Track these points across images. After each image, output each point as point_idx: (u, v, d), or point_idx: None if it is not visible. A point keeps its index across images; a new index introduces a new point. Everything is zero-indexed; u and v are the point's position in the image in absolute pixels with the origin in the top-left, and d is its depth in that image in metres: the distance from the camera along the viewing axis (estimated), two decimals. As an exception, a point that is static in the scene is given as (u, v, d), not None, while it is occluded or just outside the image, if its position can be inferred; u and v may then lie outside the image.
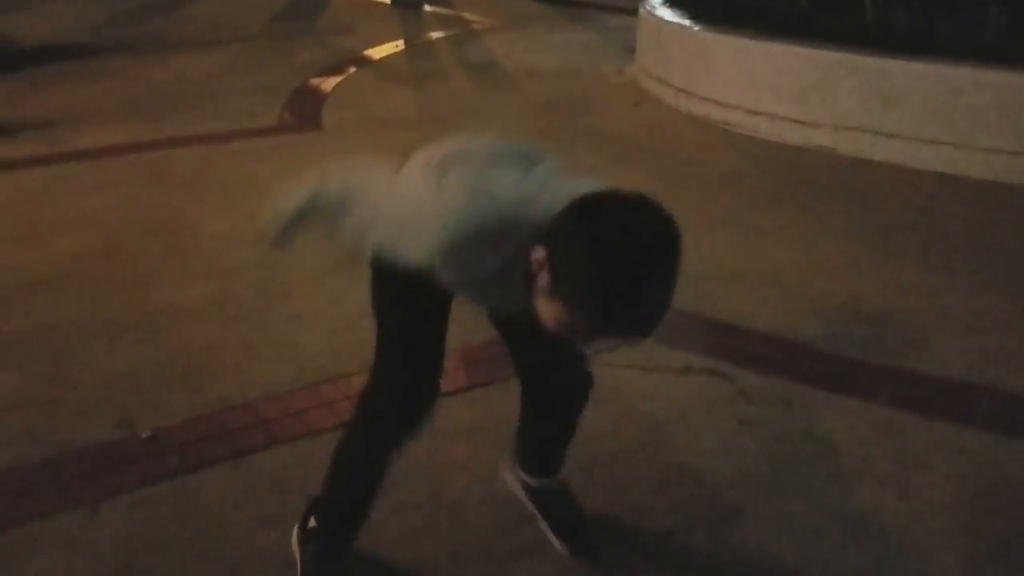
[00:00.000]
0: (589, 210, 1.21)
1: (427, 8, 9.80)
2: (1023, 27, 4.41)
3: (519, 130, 5.23)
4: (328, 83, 6.41)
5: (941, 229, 3.71)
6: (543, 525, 1.98)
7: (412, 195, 1.42)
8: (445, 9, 9.80)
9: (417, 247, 1.37)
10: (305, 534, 1.87)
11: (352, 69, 6.92)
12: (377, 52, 7.54)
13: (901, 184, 4.21)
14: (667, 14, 5.86)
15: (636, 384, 2.57)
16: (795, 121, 4.78)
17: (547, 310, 1.25)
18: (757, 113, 4.93)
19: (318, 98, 6.00)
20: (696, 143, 4.91)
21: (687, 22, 5.58)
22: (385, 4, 10.00)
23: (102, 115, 5.53)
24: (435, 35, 8.34)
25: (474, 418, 2.40)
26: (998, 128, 4.16)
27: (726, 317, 2.97)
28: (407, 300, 1.62)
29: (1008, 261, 3.41)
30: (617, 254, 1.17)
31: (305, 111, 5.68)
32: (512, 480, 2.04)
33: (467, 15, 9.33)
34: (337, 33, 8.48)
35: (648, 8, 6.16)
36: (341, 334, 2.84)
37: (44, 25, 8.83)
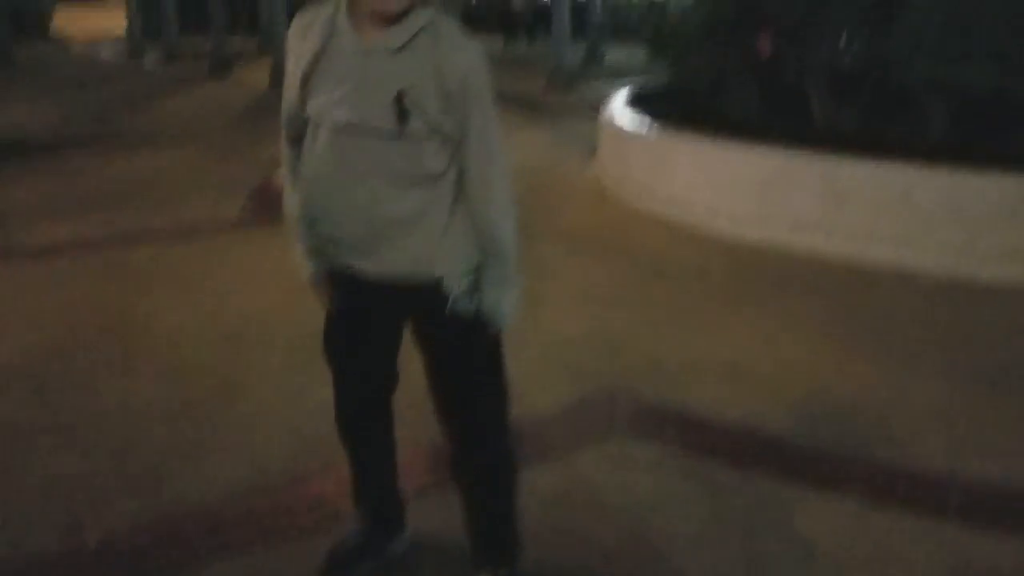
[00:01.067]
0: None
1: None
2: (965, 129, 4.61)
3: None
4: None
5: (899, 323, 3.77)
6: None
7: None
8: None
9: None
10: None
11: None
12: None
13: (858, 280, 4.29)
14: (627, 117, 6.03)
15: (609, 479, 2.52)
16: (752, 220, 4.88)
17: None
18: (716, 212, 5.04)
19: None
20: (658, 240, 4.98)
21: (646, 125, 5.74)
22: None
23: (59, 211, 5.48)
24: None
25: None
26: (947, 225, 4.28)
27: (695, 411, 2.95)
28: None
29: (964, 352, 3.46)
30: None
31: (268, 205, 5.69)
32: None
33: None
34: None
35: (609, 111, 6.34)
36: (301, 432, 2.76)
37: (4, 121, 8.82)
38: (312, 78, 1.71)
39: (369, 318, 1.87)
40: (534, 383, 3.08)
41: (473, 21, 21.32)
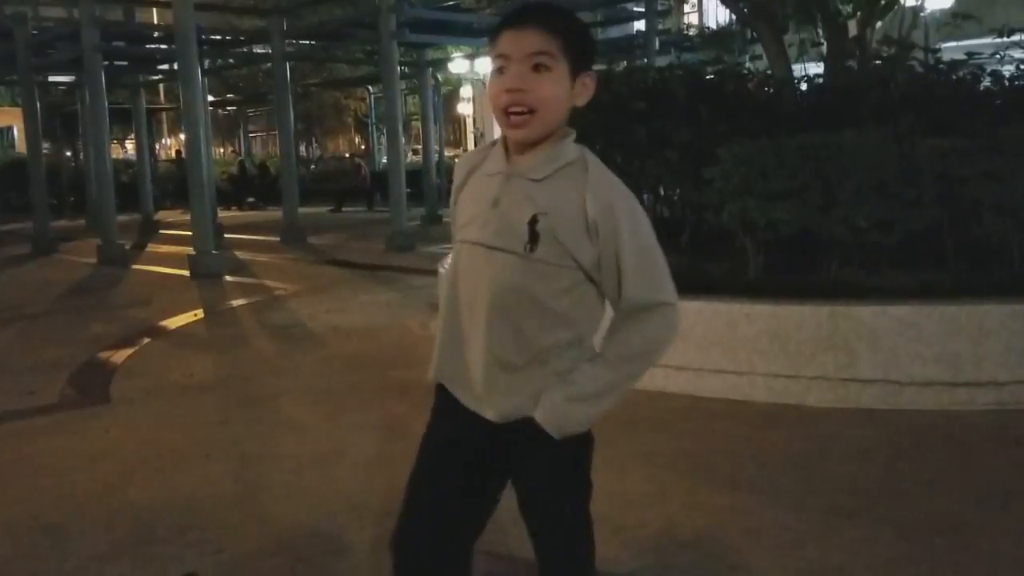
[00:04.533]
0: None
1: (228, 278, 9.80)
2: (778, 265, 4.94)
3: (325, 385, 5.14)
4: (120, 355, 6.12)
5: (738, 452, 3.87)
6: None
7: None
8: (247, 278, 9.85)
9: None
10: None
11: (146, 340, 6.67)
12: (174, 322, 7.36)
13: (696, 412, 4.41)
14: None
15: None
16: (593, 361, 4.97)
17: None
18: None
19: (107, 370, 5.68)
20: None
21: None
22: (183, 276, 9.92)
23: None
24: (236, 303, 8.28)
25: None
26: (772, 355, 4.50)
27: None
28: None
29: (803, 476, 3.56)
30: None
31: (92, 384, 5.34)
32: None
33: (270, 283, 9.40)
34: (132, 306, 8.27)
35: (446, 267, 6.44)
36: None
37: None
38: (460, 198, 1.79)
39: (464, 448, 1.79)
40: (377, 546, 2.92)
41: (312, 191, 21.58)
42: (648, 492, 3.43)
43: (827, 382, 4.44)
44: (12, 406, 4.86)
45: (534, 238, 1.62)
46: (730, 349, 4.59)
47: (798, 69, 6.84)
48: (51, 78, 18.51)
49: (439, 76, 20.34)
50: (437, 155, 19.05)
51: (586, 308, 1.71)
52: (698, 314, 4.68)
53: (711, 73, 6.24)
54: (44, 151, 16.76)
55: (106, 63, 13.15)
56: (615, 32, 18.85)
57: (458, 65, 19.94)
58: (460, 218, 1.76)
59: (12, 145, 29.10)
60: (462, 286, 1.72)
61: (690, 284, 4.91)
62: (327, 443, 4.13)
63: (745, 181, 4.82)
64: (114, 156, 18.00)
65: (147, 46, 15.98)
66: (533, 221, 1.62)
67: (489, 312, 1.67)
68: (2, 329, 7.29)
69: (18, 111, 18.61)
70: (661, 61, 13.41)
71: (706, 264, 5.14)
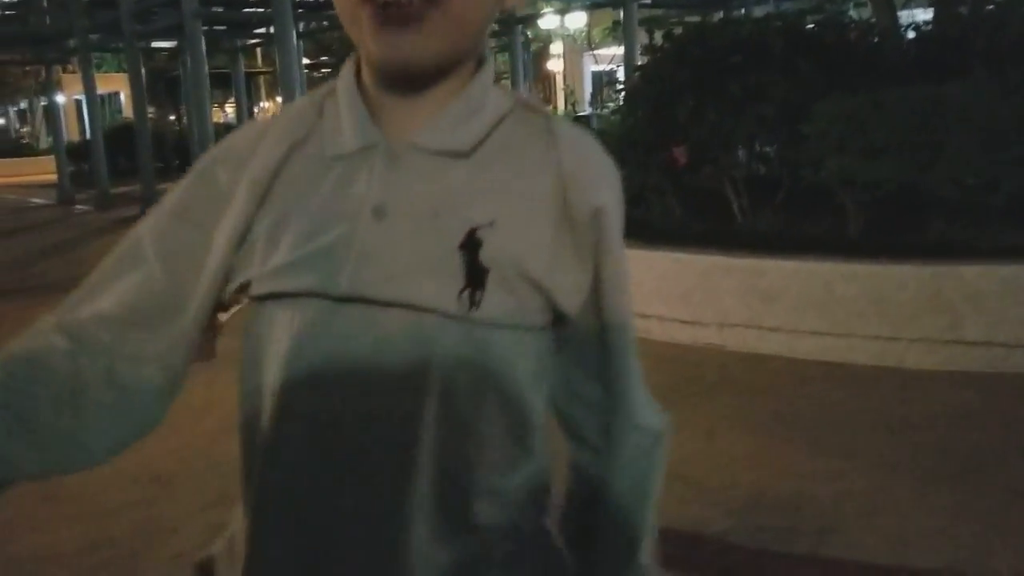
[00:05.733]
0: None
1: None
2: (879, 224, 4.77)
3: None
4: (224, 313, 6.34)
5: (832, 415, 3.79)
6: None
7: None
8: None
9: None
10: None
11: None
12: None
13: (789, 375, 4.33)
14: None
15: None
16: (683, 322, 4.93)
17: None
18: (646, 316, 5.08)
19: (213, 327, 5.91)
20: (591, 349, 4.98)
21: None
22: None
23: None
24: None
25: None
26: (871, 316, 4.38)
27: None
28: None
29: (899, 441, 3.47)
30: None
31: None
32: None
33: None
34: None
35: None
36: None
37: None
38: (263, 215, 0.83)
39: None
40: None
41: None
42: (739, 454, 3.40)
43: (929, 344, 4.29)
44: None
45: (477, 278, 0.78)
46: (827, 310, 4.48)
47: (905, 16, 6.52)
48: (154, 44, 19.11)
49: (528, 33, 20.19)
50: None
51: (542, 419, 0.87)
52: (794, 275, 4.58)
53: (811, 23, 6.02)
54: (149, 115, 17.39)
55: (205, 28, 13.50)
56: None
57: (548, 21, 19.73)
58: (269, 249, 0.82)
59: (119, 110, 30.28)
60: (300, 399, 0.80)
61: (786, 244, 4.82)
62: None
63: (844, 137, 4.66)
64: (215, 119, 18.53)
65: (244, 11, 16.33)
66: (471, 242, 0.78)
67: (390, 449, 0.79)
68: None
69: (124, 77, 19.32)
70: (759, 11, 13.00)
71: (803, 223, 5.00)
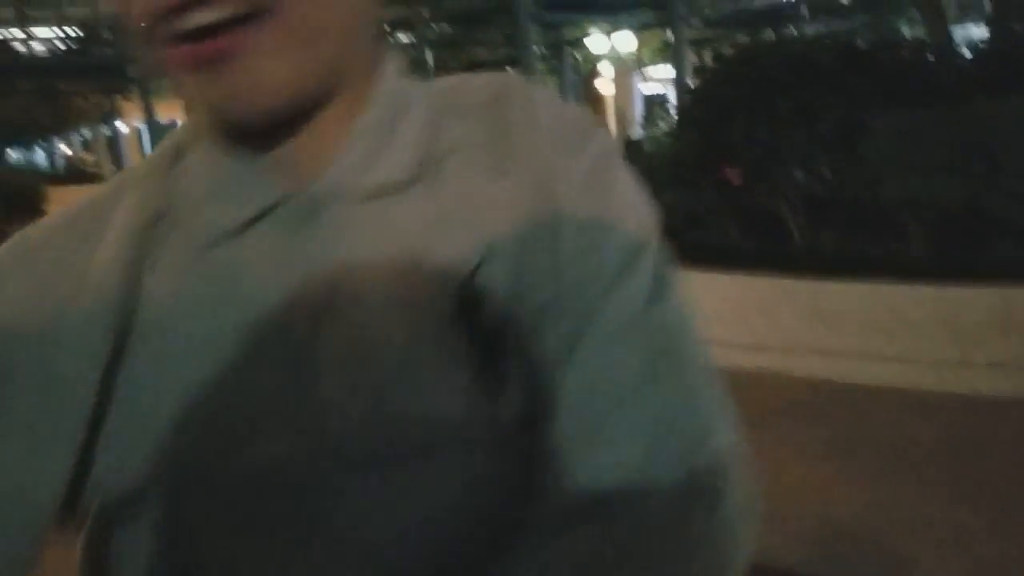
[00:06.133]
0: None
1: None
2: (943, 244, 4.67)
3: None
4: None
5: (904, 442, 3.70)
6: None
7: None
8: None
9: None
10: None
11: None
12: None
13: (857, 400, 4.24)
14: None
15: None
16: (745, 346, 4.87)
17: None
18: (705, 341, 5.02)
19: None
20: (650, 373, 4.94)
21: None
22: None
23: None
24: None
25: None
26: (939, 340, 4.27)
27: None
28: None
29: (973, 467, 3.37)
30: None
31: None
32: None
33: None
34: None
35: None
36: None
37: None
38: (121, 387, 0.52)
39: None
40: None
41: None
42: (805, 482, 3.33)
43: (1001, 369, 4.17)
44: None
45: (495, 353, 0.51)
46: (892, 334, 4.39)
47: (959, 32, 6.42)
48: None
49: (577, 55, 20.27)
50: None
51: None
52: (856, 297, 4.50)
53: (863, 41, 5.95)
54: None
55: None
56: (761, 1, 18.25)
57: (596, 42, 19.78)
58: (142, 424, 0.51)
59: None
60: None
61: (848, 265, 4.73)
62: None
63: (903, 155, 4.58)
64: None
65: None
66: (467, 295, 0.51)
67: None
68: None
69: (181, 104, 19.76)
70: (810, 30, 12.90)
71: (864, 244, 4.92)
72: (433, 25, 16.54)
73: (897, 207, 4.78)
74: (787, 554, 2.77)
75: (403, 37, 17.60)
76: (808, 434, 3.84)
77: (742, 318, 4.88)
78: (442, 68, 23.81)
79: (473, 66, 26.88)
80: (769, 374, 4.72)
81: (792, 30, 13.37)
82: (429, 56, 14.92)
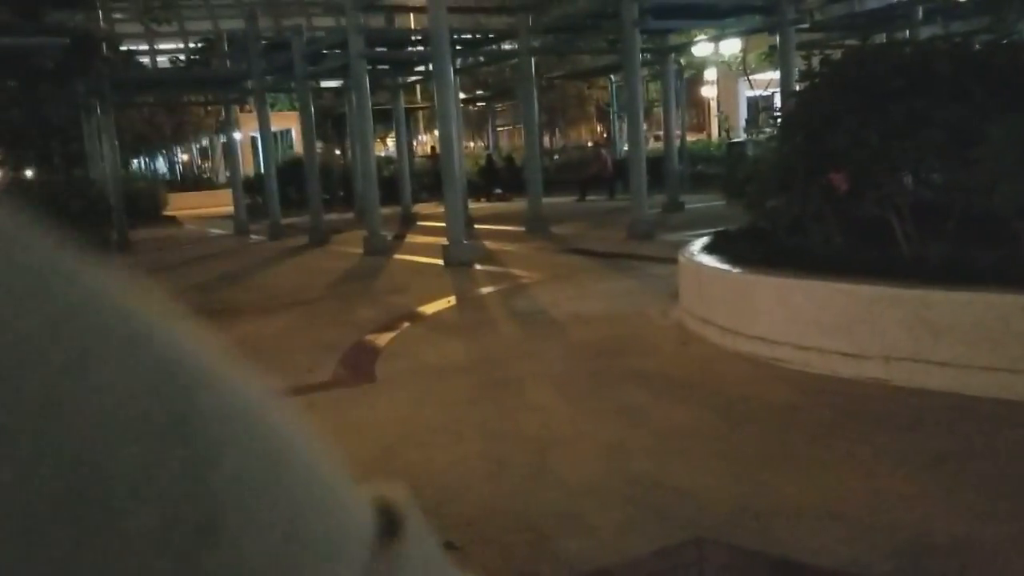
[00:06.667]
0: None
1: (477, 267, 10.31)
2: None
3: (567, 370, 5.30)
4: (383, 338, 6.64)
5: (1004, 454, 3.57)
6: None
7: None
8: (494, 267, 10.30)
9: None
10: None
11: (406, 324, 7.18)
12: (430, 308, 7.85)
13: (959, 411, 4.10)
14: (706, 259, 6.07)
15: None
16: (844, 354, 4.77)
17: None
18: (805, 348, 4.95)
19: (373, 352, 6.20)
20: (745, 379, 4.90)
21: (726, 266, 5.76)
22: (438, 264, 10.55)
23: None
24: (485, 290, 8.70)
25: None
26: (1052, 351, 4.09)
27: (792, 555, 2.82)
28: None
29: (1087, 487, 3.23)
30: None
31: (360, 364, 5.85)
32: None
33: (515, 271, 9.76)
34: (393, 293, 8.91)
35: (687, 255, 6.40)
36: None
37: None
38: None
39: None
40: (621, 529, 3.00)
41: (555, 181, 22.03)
42: (902, 494, 3.25)
43: (1119, 383, 3.97)
44: (295, 382, 5.44)
45: None
46: (1002, 345, 4.23)
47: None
48: (323, 84, 20.25)
49: (681, 60, 20.08)
50: (679, 141, 18.84)
51: None
52: (964, 307, 4.35)
53: (980, 44, 5.74)
54: (317, 150, 18.42)
55: (369, 68, 14.21)
56: (874, 2, 17.69)
57: (702, 48, 19.56)
58: None
59: (291, 146, 32.15)
60: None
61: (956, 274, 4.58)
62: (568, 426, 4.27)
63: (1019, 161, 4.41)
64: (377, 153, 19.40)
65: (405, 51, 17.08)
66: None
67: None
68: (285, 313, 8.13)
69: (295, 115, 20.55)
70: (925, 32, 12.44)
71: (975, 252, 4.75)
72: (539, 35, 16.67)
73: (1010, 215, 4.60)
74: (879, 566, 2.72)
75: (507, 46, 17.82)
76: (906, 444, 3.74)
77: (842, 327, 4.78)
78: (544, 74, 23.96)
79: (578, 74, 26.94)
80: (869, 383, 4.61)
81: (906, 33, 12.93)
82: (532, 64, 15.02)
